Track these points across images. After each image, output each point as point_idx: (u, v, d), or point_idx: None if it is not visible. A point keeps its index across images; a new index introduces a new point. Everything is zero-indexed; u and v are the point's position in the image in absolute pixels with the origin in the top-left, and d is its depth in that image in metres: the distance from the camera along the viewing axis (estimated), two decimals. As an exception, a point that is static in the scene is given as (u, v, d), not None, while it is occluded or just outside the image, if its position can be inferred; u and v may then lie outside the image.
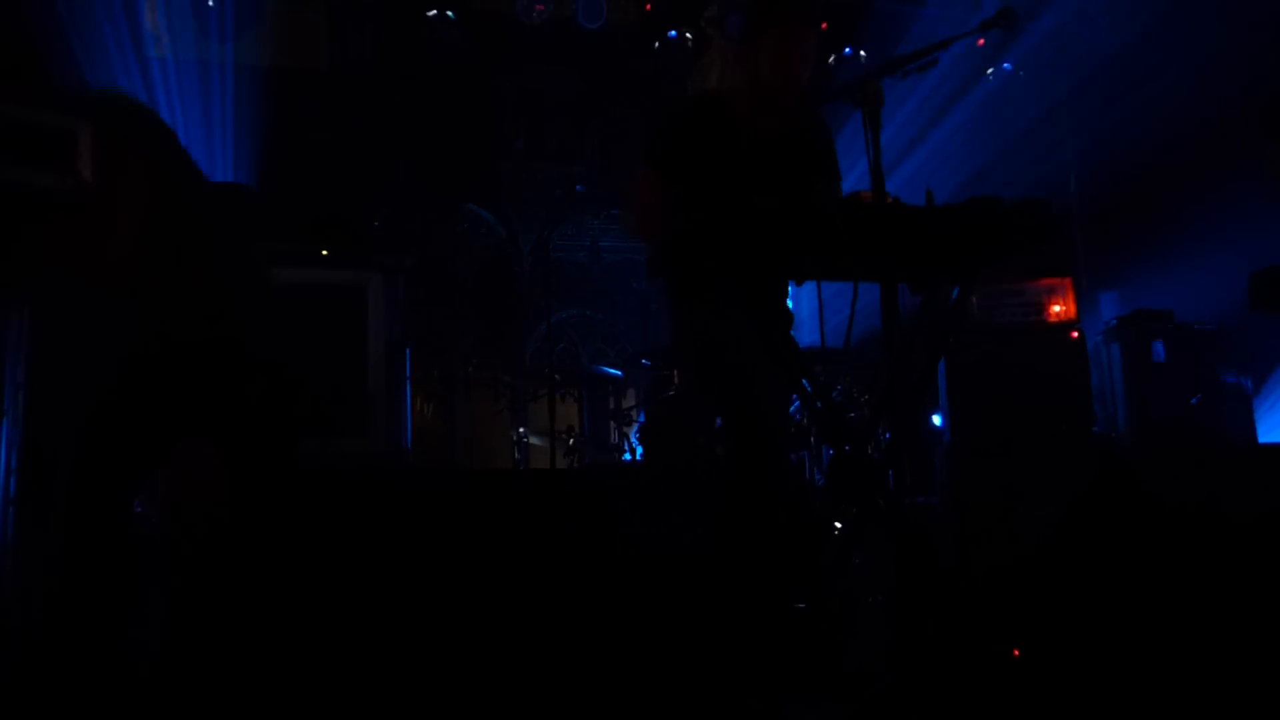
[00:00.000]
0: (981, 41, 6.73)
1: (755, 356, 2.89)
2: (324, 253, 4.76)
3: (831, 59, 6.99)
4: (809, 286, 5.80)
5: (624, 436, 5.59)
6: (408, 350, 5.45)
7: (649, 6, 7.03)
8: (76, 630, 2.70)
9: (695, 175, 3.07)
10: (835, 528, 4.02)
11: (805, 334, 5.93)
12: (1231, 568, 3.55)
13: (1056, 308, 5.14)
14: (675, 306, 3.18)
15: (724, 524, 3.00)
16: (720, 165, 3.08)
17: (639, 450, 5.54)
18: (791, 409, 4.50)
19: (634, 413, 5.68)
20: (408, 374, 5.49)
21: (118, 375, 2.72)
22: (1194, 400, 5.17)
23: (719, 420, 3.16)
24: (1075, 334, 5.13)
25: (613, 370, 6.03)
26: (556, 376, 5.31)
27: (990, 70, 7.35)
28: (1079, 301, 5.20)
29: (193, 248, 2.80)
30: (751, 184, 3.05)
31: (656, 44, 7.04)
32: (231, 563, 2.85)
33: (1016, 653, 3.06)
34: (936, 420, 5.31)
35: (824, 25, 3.15)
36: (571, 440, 5.68)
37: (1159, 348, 5.34)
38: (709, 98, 3.25)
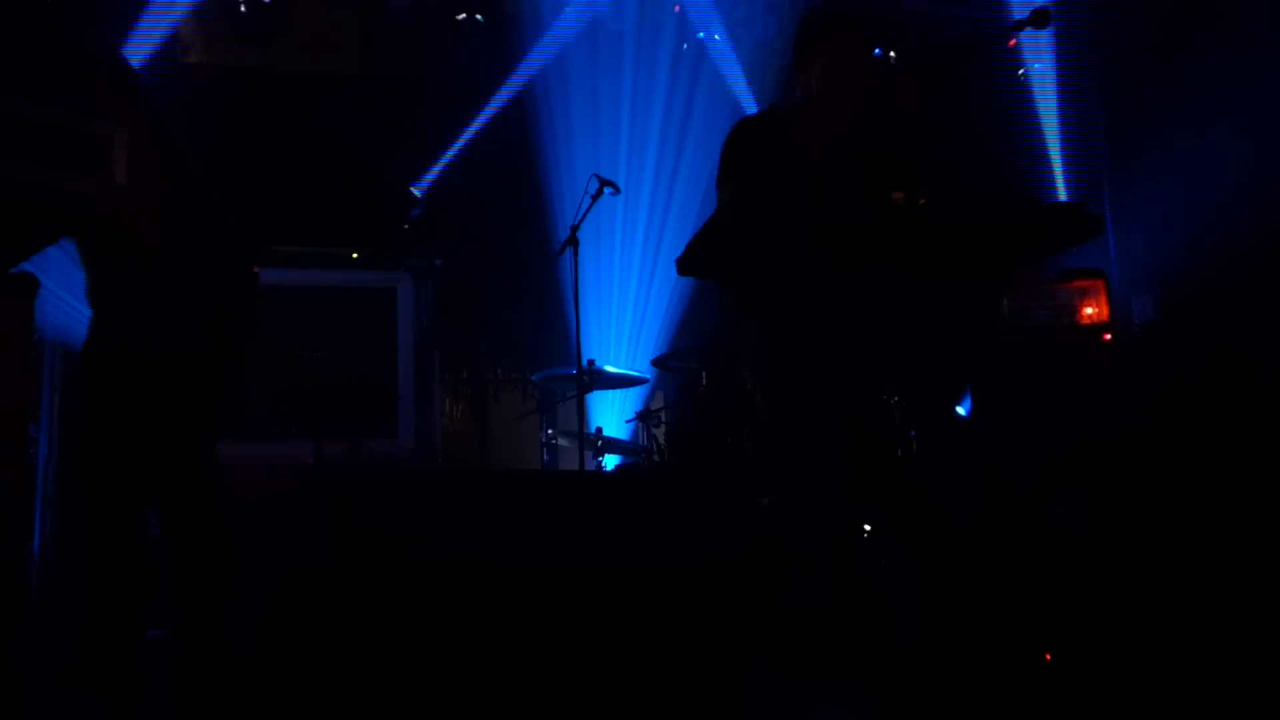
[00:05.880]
0: (1013, 42, 6.69)
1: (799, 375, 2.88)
2: (354, 256, 4.81)
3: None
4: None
5: (652, 438, 5.59)
6: (437, 352, 5.48)
7: (678, 8, 7.03)
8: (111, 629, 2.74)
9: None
10: (865, 530, 4.00)
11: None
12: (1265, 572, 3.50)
13: (1089, 310, 5.08)
14: (736, 309, 3.17)
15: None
16: (776, 181, 3.03)
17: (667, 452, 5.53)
18: None
19: (662, 414, 5.67)
20: (437, 375, 5.52)
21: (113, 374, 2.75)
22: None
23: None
24: (1108, 336, 5.07)
25: (638, 373, 6.04)
26: (585, 378, 5.30)
27: (1022, 70, 7.31)
28: (1111, 304, 5.15)
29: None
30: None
31: (685, 45, 7.05)
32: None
33: (1049, 657, 3.03)
34: (960, 412, 5.25)
35: (875, 46, 3.07)
36: (600, 442, 5.68)
37: (1192, 354, 5.27)
38: (765, 116, 3.18)
